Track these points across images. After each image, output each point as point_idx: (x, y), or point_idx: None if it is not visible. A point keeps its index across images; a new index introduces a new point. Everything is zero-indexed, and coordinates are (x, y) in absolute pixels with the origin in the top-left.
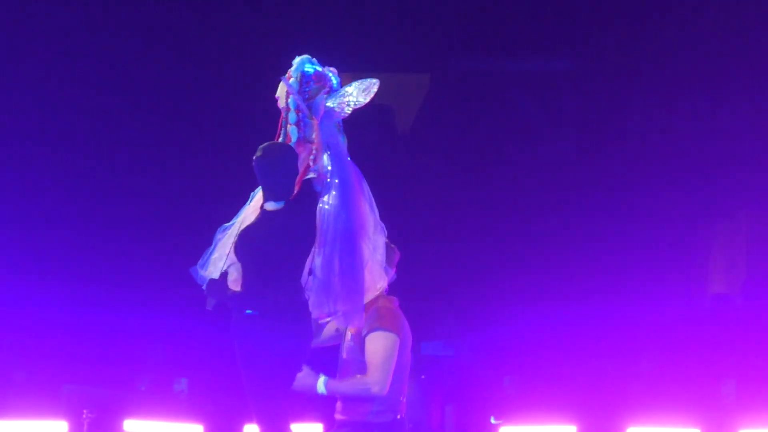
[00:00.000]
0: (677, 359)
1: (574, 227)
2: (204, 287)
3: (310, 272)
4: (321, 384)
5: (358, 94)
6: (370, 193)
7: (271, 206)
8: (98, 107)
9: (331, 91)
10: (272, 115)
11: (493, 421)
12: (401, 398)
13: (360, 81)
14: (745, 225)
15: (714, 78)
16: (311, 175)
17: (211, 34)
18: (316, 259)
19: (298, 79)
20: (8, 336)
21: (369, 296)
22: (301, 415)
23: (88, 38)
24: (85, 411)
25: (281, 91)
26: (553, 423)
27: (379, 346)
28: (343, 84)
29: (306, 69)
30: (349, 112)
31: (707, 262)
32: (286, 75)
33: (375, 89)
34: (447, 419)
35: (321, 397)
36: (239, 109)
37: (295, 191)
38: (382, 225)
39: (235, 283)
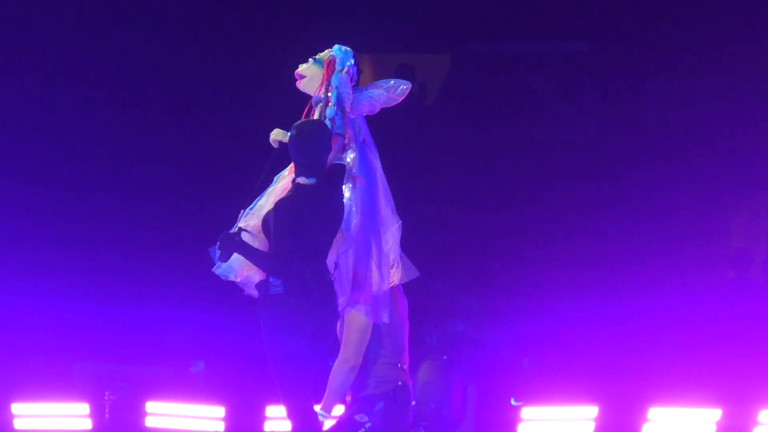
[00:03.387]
0: (698, 340)
1: (594, 208)
2: (218, 244)
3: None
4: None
5: (390, 94)
6: (387, 187)
7: (303, 180)
8: (100, 102)
9: (352, 79)
10: (283, 107)
11: (513, 402)
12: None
13: (392, 82)
14: (765, 205)
15: (732, 57)
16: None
17: (229, 17)
18: (333, 254)
19: (348, 72)
20: (33, 323)
21: (384, 286)
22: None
23: (90, 30)
24: (107, 393)
25: (311, 71)
26: (575, 403)
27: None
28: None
29: (352, 63)
30: (379, 108)
31: (729, 243)
32: (324, 59)
33: (406, 89)
34: (468, 400)
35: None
36: (251, 100)
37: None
38: (398, 219)
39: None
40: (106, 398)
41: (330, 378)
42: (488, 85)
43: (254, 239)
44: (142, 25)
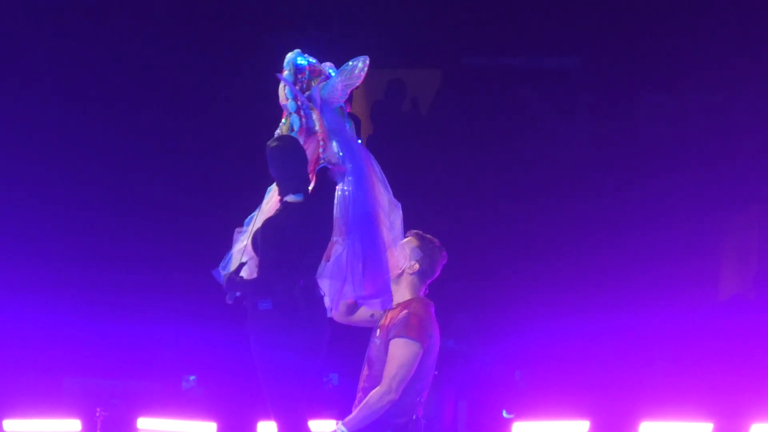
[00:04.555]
0: (690, 354)
1: (585, 224)
2: (223, 283)
3: (328, 259)
4: (340, 427)
5: (346, 76)
6: (382, 173)
7: (291, 198)
8: (93, 115)
9: (328, 79)
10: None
11: (505, 415)
12: (419, 399)
13: (350, 63)
14: (756, 220)
15: (724, 73)
16: (322, 163)
17: (222, 32)
18: (336, 247)
19: (291, 70)
20: (24, 339)
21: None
22: (319, 413)
23: (92, 33)
24: (98, 409)
25: (281, 90)
26: (566, 418)
27: (398, 353)
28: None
29: (299, 62)
30: (346, 95)
31: (719, 258)
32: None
33: (362, 65)
34: (460, 414)
35: (336, 393)
36: (251, 112)
37: (312, 182)
38: (397, 203)
39: (250, 277)
40: (97, 414)
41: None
42: (479, 100)
43: (254, 265)
44: (141, 34)
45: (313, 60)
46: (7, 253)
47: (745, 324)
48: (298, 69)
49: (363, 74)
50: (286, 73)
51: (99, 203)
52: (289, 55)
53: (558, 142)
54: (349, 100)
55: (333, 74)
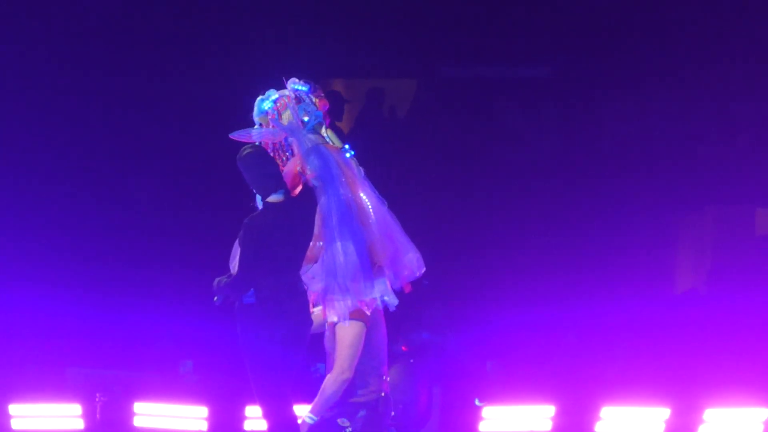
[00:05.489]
0: (648, 344)
1: (552, 222)
2: (214, 285)
3: (316, 260)
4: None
5: (291, 111)
6: (362, 172)
7: (273, 198)
8: (91, 113)
9: (299, 101)
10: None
11: (477, 402)
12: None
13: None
14: (711, 221)
15: (683, 83)
16: (303, 178)
17: (208, 43)
18: (322, 250)
19: (259, 117)
20: (29, 331)
21: (385, 263)
22: (305, 400)
23: (92, 41)
24: (97, 394)
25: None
26: (534, 403)
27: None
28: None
29: (264, 107)
30: (303, 116)
31: (676, 255)
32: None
33: (292, 88)
34: (434, 401)
35: (321, 380)
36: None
37: (298, 190)
38: (383, 200)
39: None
40: (97, 400)
41: (324, 385)
42: (454, 107)
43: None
44: (140, 37)
45: (275, 95)
46: (12, 251)
47: (699, 316)
48: (266, 114)
49: (297, 93)
50: (255, 127)
51: (99, 202)
52: (256, 103)
53: (528, 144)
54: (327, 113)
55: (300, 87)
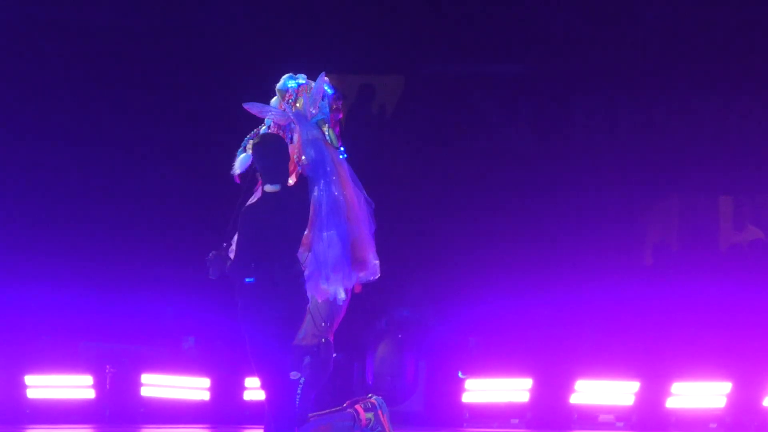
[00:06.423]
0: (619, 322)
1: (528, 208)
2: (207, 260)
3: (309, 249)
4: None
5: (311, 96)
6: (353, 173)
7: (269, 188)
8: (98, 107)
9: (311, 92)
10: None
11: (460, 375)
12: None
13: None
14: (677, 208)
15: (648, 79)
16: (299, 168)
17: (199, 39)
18: (313, 240)
19: (282, 94)
20: (45, 308)
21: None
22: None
23: (94, 37)
24: (107, 366)
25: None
26: (512, 376)
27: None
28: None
29: (288, 84)
30: (317, 108)
31: (644, 239)
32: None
33: (319, 81)
34: (420, 373)
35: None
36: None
37: (293, 181)
38: (369, 199)
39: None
40: (107, 372)
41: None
42: (437, 102)
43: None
44: (144, 33)
45: (303, 81)
46: (31, 241)
47: (668, 295)
48: (285, 91)
49: (321, 89)
50: (273, 100)
51: (107, 191)
52: (284, 78)
53: (504, 136)
54: (338, 110)
55: (326, 87)
